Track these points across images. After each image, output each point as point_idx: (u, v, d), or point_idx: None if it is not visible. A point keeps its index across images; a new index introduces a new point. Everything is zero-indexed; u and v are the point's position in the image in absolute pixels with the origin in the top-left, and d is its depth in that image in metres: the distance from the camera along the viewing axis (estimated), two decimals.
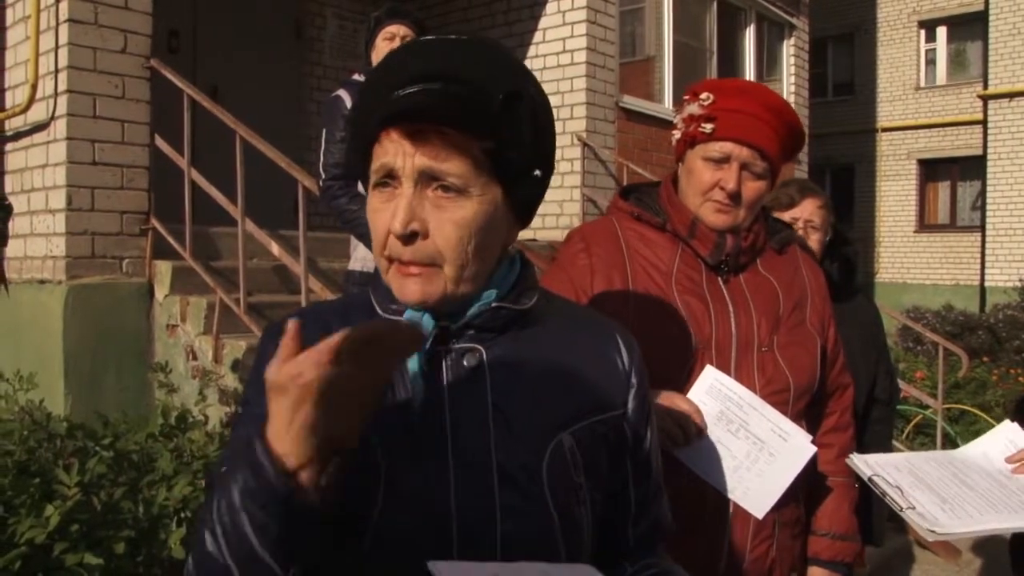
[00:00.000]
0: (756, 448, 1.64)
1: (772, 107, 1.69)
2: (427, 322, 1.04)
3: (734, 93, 1.70)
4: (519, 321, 1.10)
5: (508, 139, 1.02)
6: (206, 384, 4.10)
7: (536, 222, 7.50)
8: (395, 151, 1.01)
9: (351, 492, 0.97)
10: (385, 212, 1.03)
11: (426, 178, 1.01)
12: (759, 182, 1.71)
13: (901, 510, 1.68)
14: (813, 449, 1.67)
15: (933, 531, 1.61)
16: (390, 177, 1.03)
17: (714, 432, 1.63)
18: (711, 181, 1.69)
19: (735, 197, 1.68)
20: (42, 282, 4.98)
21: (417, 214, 1.01)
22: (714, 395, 1.65)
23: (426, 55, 1.04)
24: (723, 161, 1.69)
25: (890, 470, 1.79)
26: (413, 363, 1.03)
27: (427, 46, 1.06)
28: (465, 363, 1.06)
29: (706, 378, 1.66)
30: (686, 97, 1.76)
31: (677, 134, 1.78)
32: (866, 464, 1.81)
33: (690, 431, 1.59)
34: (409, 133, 1.00)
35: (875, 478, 1.76)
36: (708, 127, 1.68)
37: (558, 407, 1.09)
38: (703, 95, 1.71)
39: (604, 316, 1.29)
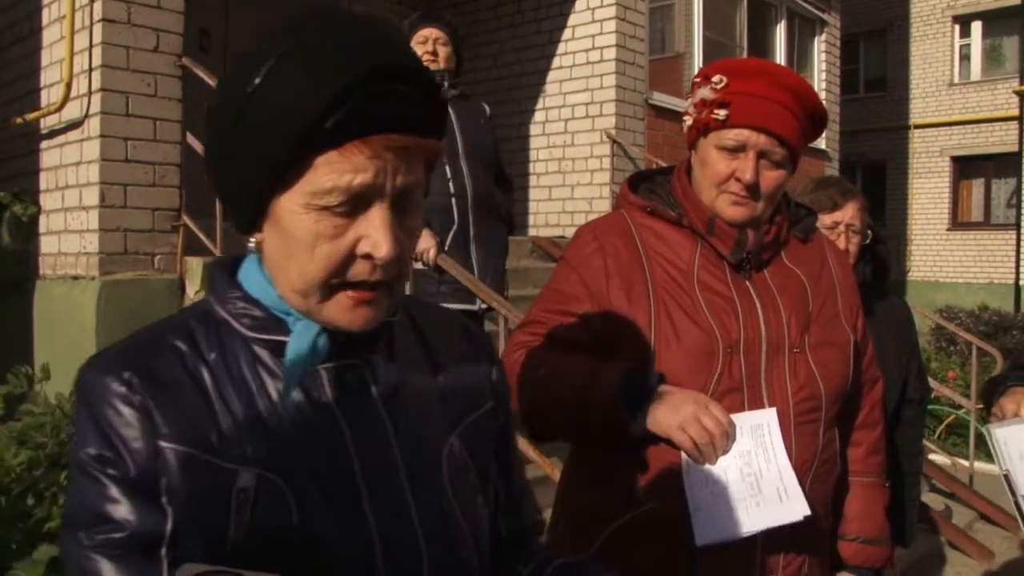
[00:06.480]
0: (751, 493, 1.49)
1: (790, 88, 1.53)
2: (323, 342, 0.91)
3: (749, 75, 1.54)
4: (386, 330, 0.99)
5: None
6: None
7: (565, 219, 7.54)
8: (376, 168, 0.83)
9: (263, 537, 0.87)
10: (342, 237, 0.85)
11: (402, 197, 0.87)
12: (778, 171, 1.56)
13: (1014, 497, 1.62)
14: (800, 516, 1.49)
15: None
16: (358, 199, 0.84)
17: (729, 462, 1.49)
18: (726, 172, 1.56)
19: (752, 188, 1.55)
20: (76, 278, 5.03)
21: (398, 237, 0.87)
22: (754, 434, 1.50)
23: (373, 40, 0.85)
24: (738, 150, 1.54)
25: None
26: (292, 387, 0.91)
27: (364, 27, 0.86)
28: (348, 380, 0.95)
29: (761, 415, 1.52)
30: (697, 80, 1.60)
31: (688, 120, 1.62)
32: (1006, 444, 1.66)
33: (715, 450, 1.46)
34: (398, 147, 0.84)
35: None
36: (721, 113, 1.53)
37: (441, 412, 1.03)
38: (715, 78, 1.55)
39: (446, 309, 1.24)
